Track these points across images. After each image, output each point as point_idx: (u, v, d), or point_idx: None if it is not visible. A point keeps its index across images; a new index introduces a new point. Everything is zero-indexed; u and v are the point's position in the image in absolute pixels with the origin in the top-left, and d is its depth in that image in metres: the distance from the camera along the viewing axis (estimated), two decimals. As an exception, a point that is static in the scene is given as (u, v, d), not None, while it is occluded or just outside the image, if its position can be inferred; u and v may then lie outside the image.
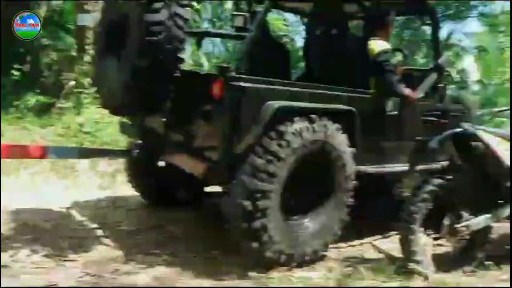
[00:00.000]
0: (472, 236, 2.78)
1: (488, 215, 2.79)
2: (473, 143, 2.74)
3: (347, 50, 3.49)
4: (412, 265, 2.63)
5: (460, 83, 9.59)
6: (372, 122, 3.21)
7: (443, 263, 2.87)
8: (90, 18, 6.80)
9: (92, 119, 5.95)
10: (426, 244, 2.80)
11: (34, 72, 7.42)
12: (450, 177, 2.76)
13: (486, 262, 2.75)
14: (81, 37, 7.09)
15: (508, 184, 2.82)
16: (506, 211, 2.87)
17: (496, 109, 3.62)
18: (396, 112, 3.47)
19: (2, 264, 2.51)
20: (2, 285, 2.17)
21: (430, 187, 2.69)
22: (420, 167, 2.87)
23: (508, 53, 10.61)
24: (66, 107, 6.25)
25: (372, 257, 3.09)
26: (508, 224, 2.87)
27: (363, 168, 3.12)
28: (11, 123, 5.78)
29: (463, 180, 2.86)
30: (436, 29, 3.87)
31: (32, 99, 6.47)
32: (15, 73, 6.82)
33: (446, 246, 3.05)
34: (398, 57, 4.18)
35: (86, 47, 6.81)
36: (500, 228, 3.07)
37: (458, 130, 2.73)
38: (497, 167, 2.73)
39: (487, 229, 2.87)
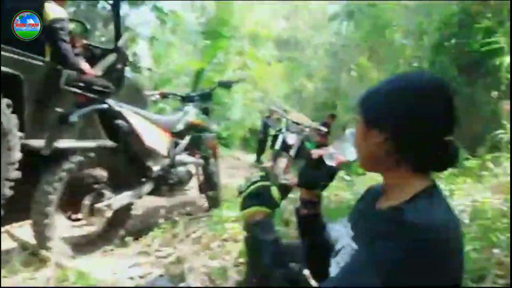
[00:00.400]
0: (113, 215, 2.74)
1: (129, 193, 2.84)
2: (118, 121, 2.69)
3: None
4: (44, 252, 2.35)
5: (133, 66, 10.03)
6: (44, 92, 2.68)
7: (84, 245, 2.72)
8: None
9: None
10: (63, 227, 2.54)
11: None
12: (93, 154, 2.60)
13: (127, 238, 2.78)
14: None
15: (150, 162, 2.98)
16: (147, 188, 3.02)
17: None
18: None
19: None
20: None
21: (67, 165, 2.43)
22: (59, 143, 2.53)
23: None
24: None
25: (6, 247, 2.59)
26: (152, 198, 3.02)
27: (32, 143, 2.53)
28: None
29: (108, 158, 2.78)
30: (117, 10, 3.66)
31: None
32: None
33: (87, 227, 2.92)
34: (78, 28, 3.71)
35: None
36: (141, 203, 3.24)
37: (101, 106, 2.59)
38: (140, 146, 2.81)
39: (128, 206, 2.92)
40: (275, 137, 5.56)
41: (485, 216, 2.31)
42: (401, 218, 0.73)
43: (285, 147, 5.09)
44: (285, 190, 1.00)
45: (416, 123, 0.79)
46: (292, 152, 5.10)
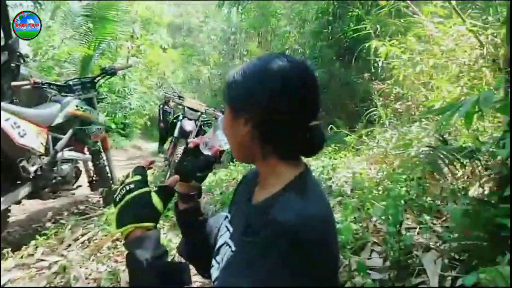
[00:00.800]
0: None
1: (2, 198, 2.45)
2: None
3: None
4: None
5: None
6: None
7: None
8: None
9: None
10: None
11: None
12: None
13: (4, 250, 2.41)
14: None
15: (24, 162, 2.60)
16: (24, 191, 2.65)
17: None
18: None
19: None
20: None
21: None
22: None
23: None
24: None
25: None
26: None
27: None
28: None
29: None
30: (4, 11, 3.10)
31: None
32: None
33: None
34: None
35: None
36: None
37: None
38: (9, 145, 2.43)
39: (4, 213, 2.54)
40: (173, 124, 5.37)
41: (363, 186, 2.53)
42: (269, 215, 0.69)
43: (183, 134, 4.96)
44: (167, 192, 0.82)
45: (280, 110, 0.75)
46: (191, 139, 4.98)
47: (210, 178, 3.87)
